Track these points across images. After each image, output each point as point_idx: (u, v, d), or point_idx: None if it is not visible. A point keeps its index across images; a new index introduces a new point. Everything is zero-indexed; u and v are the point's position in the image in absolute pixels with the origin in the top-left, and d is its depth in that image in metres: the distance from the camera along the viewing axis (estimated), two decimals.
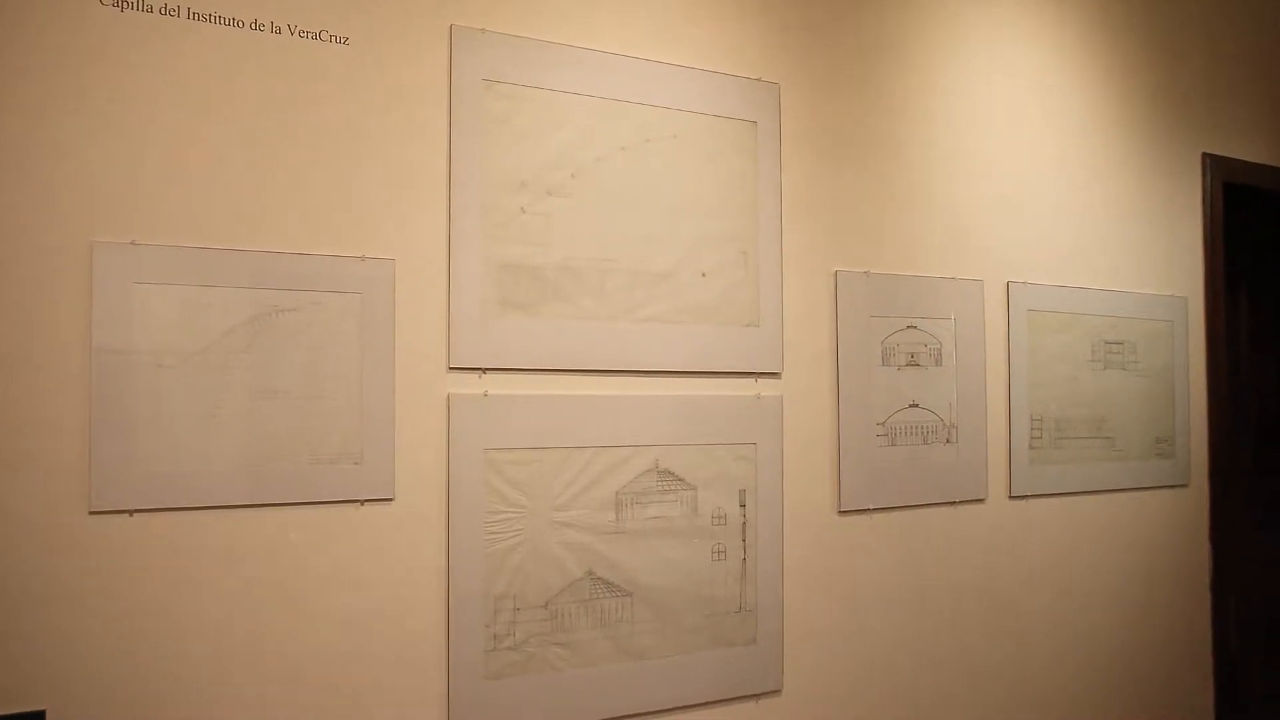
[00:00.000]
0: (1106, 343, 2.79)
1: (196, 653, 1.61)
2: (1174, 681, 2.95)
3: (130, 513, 1.57)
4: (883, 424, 2.34)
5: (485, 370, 1.87)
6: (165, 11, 1.63)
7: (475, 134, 1.87)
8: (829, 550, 2.27)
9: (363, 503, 1.75)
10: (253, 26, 1.70)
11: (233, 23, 1.68)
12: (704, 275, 2.10)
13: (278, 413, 1.69)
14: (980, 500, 2.52)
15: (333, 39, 1.76)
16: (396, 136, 1.81)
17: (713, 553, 2.09)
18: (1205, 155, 3.06)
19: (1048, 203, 2.70)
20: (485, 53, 1.89)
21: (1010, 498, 2.58)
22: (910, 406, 2.38)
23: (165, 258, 1.61)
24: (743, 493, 2.13)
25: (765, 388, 2.18)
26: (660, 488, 2.04)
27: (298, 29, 1.73)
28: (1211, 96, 3.10)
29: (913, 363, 2.39)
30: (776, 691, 2.16)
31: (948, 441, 2.44)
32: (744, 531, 2.13)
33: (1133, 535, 2.86)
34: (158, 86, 1.62)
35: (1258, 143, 3.21)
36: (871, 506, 2.33)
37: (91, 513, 1.55)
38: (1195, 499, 3.01)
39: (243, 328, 1.67)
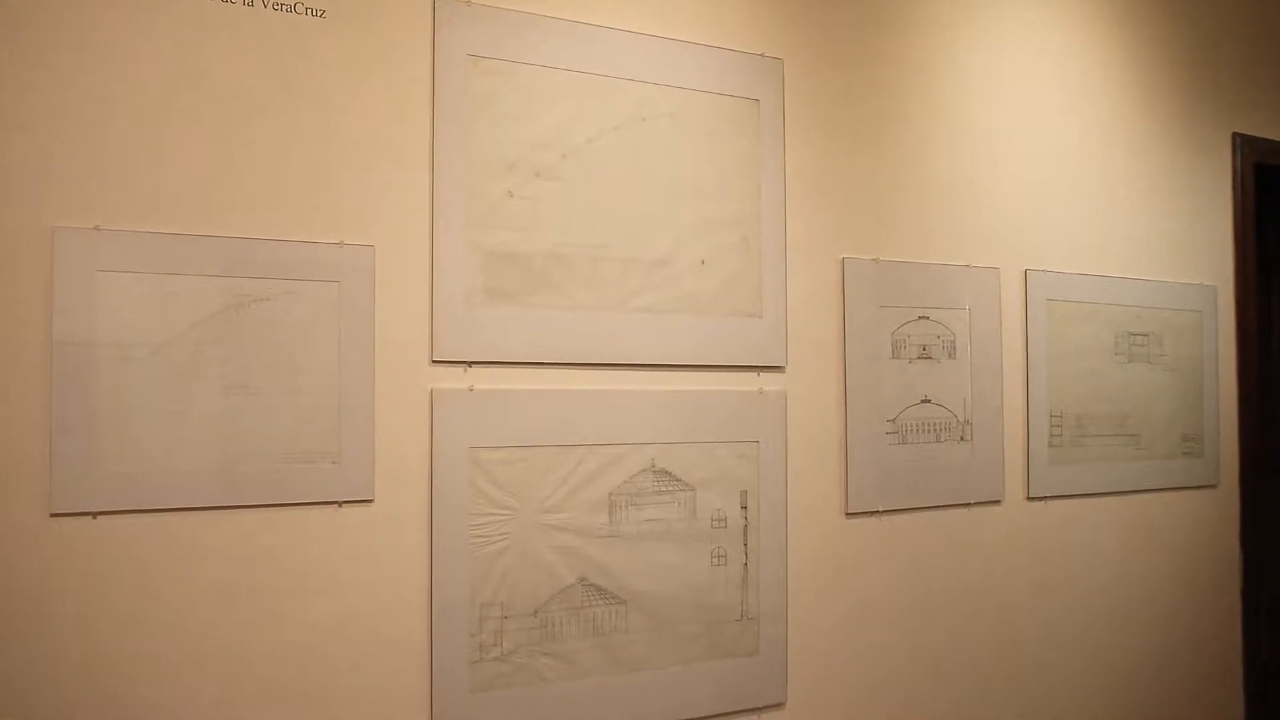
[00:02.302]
0: (1131, 334, 2.80)
1: (164, 663, 1.62)
2: (1203, 693, 2.97)
3: (94, 515, 1.58)
4: (893, 420, 2.36)
5: (470, 364, 1.88)
6: None
7: (460, 113, 1.88)
8: (836, 555, 2.28)
9: (340, 504, 1.76)
10: None
11: None
12: (703, 263, 2.11)
13: (250, 409, 1.70)
14: (996, 502, 2.54)
15: (309, 11, 1.77)
16: (376, 116, 1.82)
17: (712, 557, 2.11)
18: (1236, 135, 3.07)
19: (1068, 186, 2.71)
20: (470, 26, 1.90)
21: (1028, 499, 2.59)
22: (922, 402, 2.40)
23: (131, 244, 1.62)
24: (744, 494, 2.15)
25: (768, 382, 2.20)
26: (656, 488, 2.05)
27: (271, 1, 1.74)
28: (1242, 73, 3.11)
29: (925, 355, 2.41)
30: (780, 705, 2.18)
31: (962, 439, 2.46)
32: (745, 535, 2.15)
33: (1159, 538, 2.87)
34: (123, 61, 1.63)
35: None
36: (881, 508, 2.34)
37: (52, 515, 1.56)
38: (1225, 500, 3.03)
39: (213, 319, 1.67)
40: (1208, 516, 2.99)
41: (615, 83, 2.04)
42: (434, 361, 1.85)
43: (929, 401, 2.41)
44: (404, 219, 1.83)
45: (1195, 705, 2.95)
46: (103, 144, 1.61)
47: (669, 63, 2.10)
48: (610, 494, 2.00)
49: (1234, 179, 3.06)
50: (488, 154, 1.90)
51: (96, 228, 1.60)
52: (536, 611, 1.91)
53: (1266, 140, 3.13)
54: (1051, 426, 2.63)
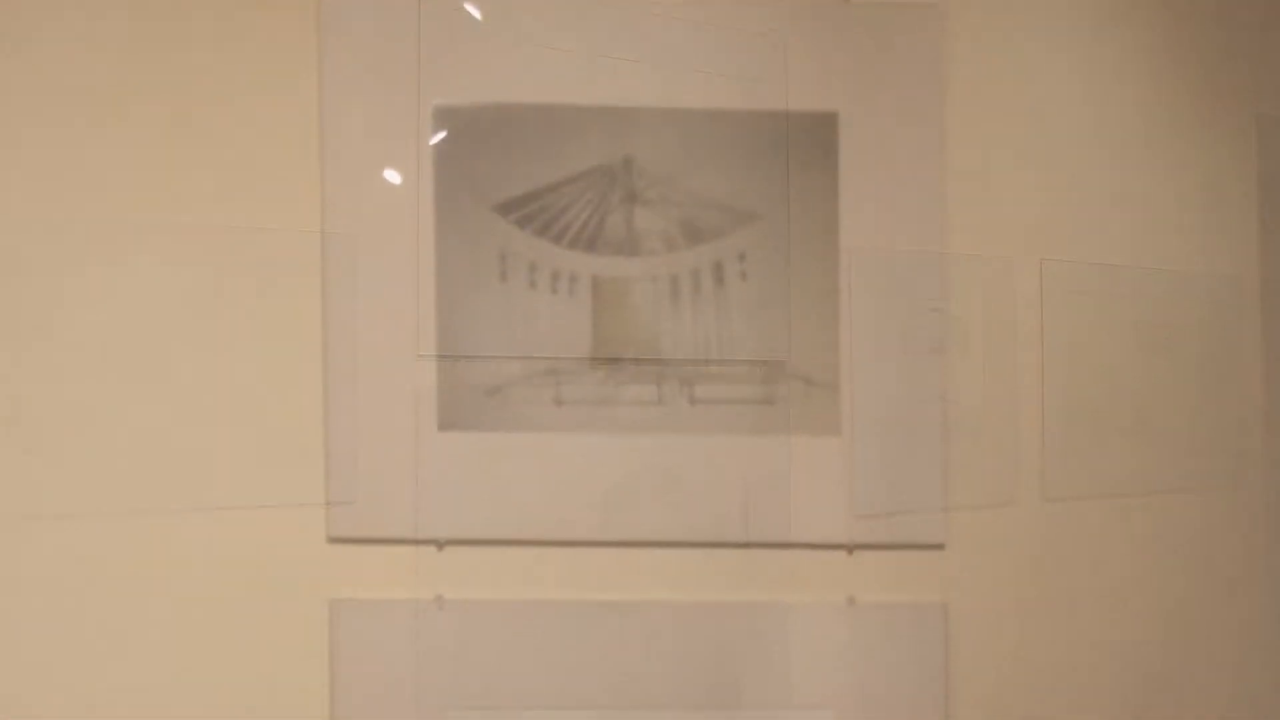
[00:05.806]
0: (1151, 327, 2.82)
1: (125, 672, 1.64)
2: (1235, 708, 2.97)
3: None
4: (900, 419, 2.38)
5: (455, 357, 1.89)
6: None
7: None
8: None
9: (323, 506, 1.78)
10: None
11: None
12: None
13: None
14: (1011, 504, 2.57)
15: None
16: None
17: None
18: (1260, 116, 3.08)
19: (1082, 171, 2.72)
20: None
21: (1044, 500, 2.62)
22: (931, 399, 2.42)
23: (91, 229, 1.64)
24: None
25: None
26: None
27: None
28: (1267, 49, 3.12)
29: (933, 350, 2.43)
30: None
31: (974, 437, 2.48)
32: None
33: (1183, 542, 2.87)
34: (77, 33, 1.65)
35: None
36: (889, 511, 2.37)
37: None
38: (1251, 502, 3.04)
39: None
40: (1234, 519, 2.99)
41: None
42: (419, 356, 1.86)
43: (939, 399, 2.43)
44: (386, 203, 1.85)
45: None
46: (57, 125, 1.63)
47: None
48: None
49: (1259, 163, 3.07)
50: None
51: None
52: None
53: None
54: (1068, 425, 2.65)
